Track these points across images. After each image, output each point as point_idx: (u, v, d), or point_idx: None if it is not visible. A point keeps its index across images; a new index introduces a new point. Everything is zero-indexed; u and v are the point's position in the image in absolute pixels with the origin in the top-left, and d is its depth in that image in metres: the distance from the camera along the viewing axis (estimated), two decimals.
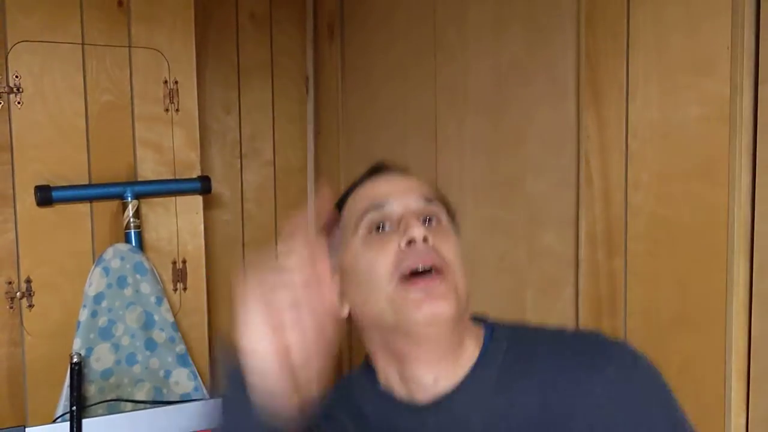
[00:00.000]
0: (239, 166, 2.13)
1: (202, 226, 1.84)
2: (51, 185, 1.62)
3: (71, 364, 1.45)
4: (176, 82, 1.77)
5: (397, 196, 0.85)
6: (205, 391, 1.66)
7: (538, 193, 1.28)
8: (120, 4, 1.69)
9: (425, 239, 0.80)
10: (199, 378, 1.67)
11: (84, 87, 1.67)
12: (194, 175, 1.82)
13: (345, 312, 0.84)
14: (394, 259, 0.80)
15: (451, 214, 0.90)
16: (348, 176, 2.10)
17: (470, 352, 0.84)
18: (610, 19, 1.09)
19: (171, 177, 1.79)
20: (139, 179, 1.75)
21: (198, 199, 1.82)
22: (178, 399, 1.64)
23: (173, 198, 1.79)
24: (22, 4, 1.59)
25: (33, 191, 1.61)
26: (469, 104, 1.44)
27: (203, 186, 1.80)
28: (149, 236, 1.75)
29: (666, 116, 1.02)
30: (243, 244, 2.08)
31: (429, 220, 0.85)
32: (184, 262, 1.82)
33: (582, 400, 0.78)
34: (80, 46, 1.65)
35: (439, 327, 0.79)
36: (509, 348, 0.85)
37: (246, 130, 2.15)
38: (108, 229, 1.70)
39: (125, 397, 1.59)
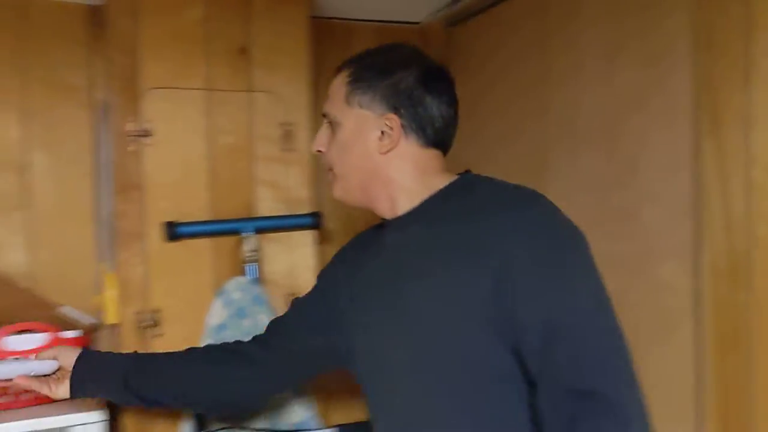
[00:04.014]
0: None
1: (313, 260, 1.90)
2: (177, 221, 1.72)
3: None
4: (292, 124, 1.86)
5: None
6: (319, 422, 1.70)
7: (654, 224, 1.26)
8: (242, 51, 1.80)
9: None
10: (313, 408, 1.71)
11: (207, 130, 1.78)
12: (307, 211, 1.88)
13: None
14: None
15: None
16: None
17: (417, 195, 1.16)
18: (729, 44, 1.08)
19: (286, 213, 1.87)
20: (257, 215, 1.83)
21: (310, 234, 1.89)
22: (292, 428, 1.68)
23: (288, 233, 1.87)
24: (155, 54, 1.71)
25: (161, 227, 1.72)
26: (581, 134, 1.44)
27: (315, 221, 1.87)
28: (266, 270, 1.82)
29: None
30: None
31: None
32: (293, 295, 1.88)
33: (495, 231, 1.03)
34: (206, 91, 1.77)
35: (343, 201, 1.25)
36: (456, 194, 1.13)
37: None
38: (228, 263, 1.79)
39: (243, 425, 1.65)
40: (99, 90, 1.84)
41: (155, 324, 1.73)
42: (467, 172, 1.20)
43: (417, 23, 2.28)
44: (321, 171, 2.08)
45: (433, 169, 1.19)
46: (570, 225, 1.06)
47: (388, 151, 1.16)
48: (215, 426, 1.64)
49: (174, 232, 1.71)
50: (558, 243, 1.02)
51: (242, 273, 1.77)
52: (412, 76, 1.15)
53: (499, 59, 1.76)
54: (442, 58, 2.14)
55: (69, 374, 1.41)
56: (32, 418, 1.59)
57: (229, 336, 1.67)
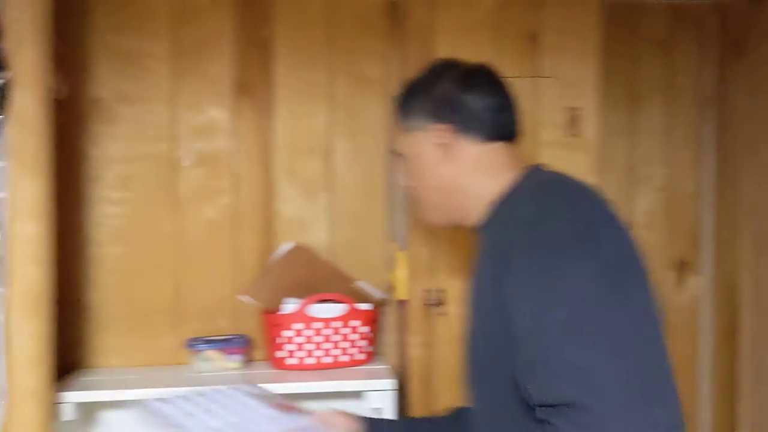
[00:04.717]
0: (628, 190, 2.12)
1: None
2: None
3: None
4: (579, 108, 1.83)
5: None
6: None
7: None
8: (532, 37, 1.81)
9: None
10: None
11: None
12: None
13: None
14: None
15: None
16: (750, 203, 1.95)
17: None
18: None
19: None
20: None
21: None
22: None
23: None
24: (447, 44, 1.80)
25: None
26: None
27: None
28: None
29: None
30: None
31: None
32: None
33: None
34: None
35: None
36: (513, 199, 1.12)
37: (637, 154, 2.12)
38: None
39: None
40: (394, 80, 1.96)
41: (440, 303, 1.81)
42: (536, 167, 1.19)
43: (714, 1, 2.12)
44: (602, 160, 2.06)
45: (500, 163, 1.18)
46: (600, 231, 0.97)
47: (449, 160, 1.17)
48: None
49: None
50: (552, 248, 0.95)
51: None
52: (447, 83, 1.20)
53: None
54: (742, 38, 1.97)
55: None
56: (332, 380, 1.76)
57: None
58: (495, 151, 1.19)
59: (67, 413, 1.64)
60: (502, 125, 1.21)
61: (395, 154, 1.32)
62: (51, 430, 1.55)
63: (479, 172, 1.18)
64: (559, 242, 0.96)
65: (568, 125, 1.84)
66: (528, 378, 0.93)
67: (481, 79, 1.22)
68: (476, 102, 1.19)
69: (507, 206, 1.13)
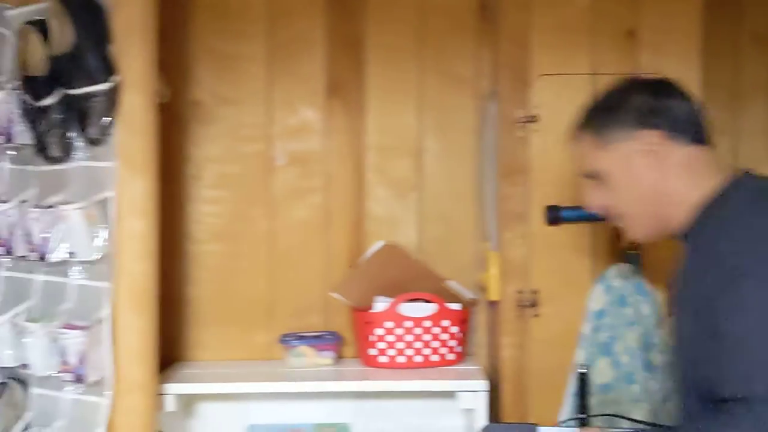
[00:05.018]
0: None
1: None
2: (560, 206, 1.76)
3: (579, 373, 1.55)
4: None
5: None
6: None
7: None
8: (630, 34, 1.77)
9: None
10: None
11: None
12: None
13: None
14: None
15: None
16: None
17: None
18: None
19: None
20: None
21: None
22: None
23: None
24: (544, 42, 1.77)
25: (543, 210, 1.77)
26: None
27: None
28: (647, 258, 1.77)
29: None
30: None
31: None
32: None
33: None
34: (592, 76, 1.77)
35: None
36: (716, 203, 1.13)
37: (740, 155, 2.05)
38: (608, 249, 1.78)
39: (622, 414, 1.63)
40: (485, 80, 1.95)
41: (533, 304, 1.79)
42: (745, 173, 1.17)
43: None
44: None
45: (705, 166, 1.18)
46: None
47: (657, 166, 1.17)
48: (596, 411, 1.65)
49: (557, 215, 1.74)
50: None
51: (622, 260, 1.75)
52: (644, 93, 1.22)
53: None
54: None
55: None
56: (425, 380, 1.77)
57: (608, 323, 1.67)
58: (699, 154, 1.20)
59: (169, 404, 1.70)
60: (703, 128, 1.22)
61: (588, 176, 1.28)
62: (155, 420, 1.61)
63: (686, 176, 1.18)
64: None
65: None
66: (725, 373, 0.99)
67: (673, 86, 1.24)
68: (679, 106, 1.21)
69: (722, 211, 1.13)
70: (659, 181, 1.19)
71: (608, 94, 1.28)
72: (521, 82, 1.78)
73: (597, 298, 1.68)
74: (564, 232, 1.78)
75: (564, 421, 1.61)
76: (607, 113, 1.24)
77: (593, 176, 1.26)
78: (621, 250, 1.76)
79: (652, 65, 1.78)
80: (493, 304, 1.88)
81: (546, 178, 1.78)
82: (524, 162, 1.78)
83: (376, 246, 1.93)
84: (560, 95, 1.77)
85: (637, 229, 1.26)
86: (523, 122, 1.77)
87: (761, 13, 2.03)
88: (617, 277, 1.69)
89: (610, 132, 1.22)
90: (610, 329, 1.66)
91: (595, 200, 1.28)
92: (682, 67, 1.77)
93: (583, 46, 1.78)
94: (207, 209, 1.96)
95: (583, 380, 1.55)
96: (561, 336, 1.75)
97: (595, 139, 1.24)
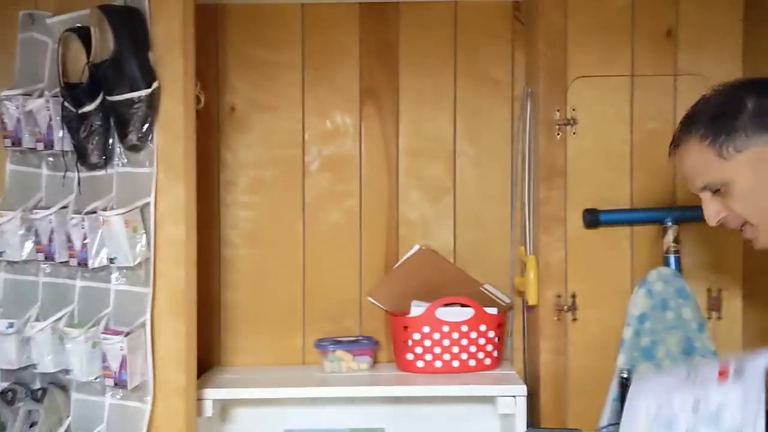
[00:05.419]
0: None
1: (735, 255, 1.78)
2: (598, 209, 1.74)
3: (621, 378, 1.53)
4: None
5: None
6: None
7: None
8: (668, 34, 1.75)
9: None
10: None
11: (630, 116, 1.77)
12: None
13: None
14: None
15: None
16: None
17: None
18: None
19: None
20: (678, 205, 1.77)
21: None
22: None
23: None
24: (582, 43, 1.76)
25: (582, 213, 1.75)
26: None
27: None
28: (686, 262, 1.75)
29: None
30: None
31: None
32: (719, 290, 1.78)
33: None
34: (630, 78, 1.75)
35: None
36: None
37: None
38: (647, 252, 1.76)
39: None
40: (519, 82, 1.93)
41: (572, 308, 1.77)
42: None
43: None
44: None
45: None
46: None
47: None
48: None
49: (595, 218, 1.73)
50: None
51: (661, 263, 1.72)
52: (751, 96, 1.15)
53: None
54: None
55: None
56: (466, 384, 1.75)
57: (649, 327, 1.64)
58: None
59: (207, 409, 1.71)
60: None
61: (705, 189, 1.21)
62: (194, 425, 1.61)
63: None
64: None
65: None
66: None
67: None
68: None
69: None
70: None
71: (714, 100, 1.21)
72: (558, 84, 1.76)
73: (638, 302, 1.65)
74: (602, 235, 1.77)
75: (605, 427, 1.59)
76: (721, 121, 1.17)
77: (713, 188, 1.20)
78: (658, 252, 1.73)
79: (691, 64, 1.76)
80: (530, 309, 1.86)
81: (584, 180, 1.77)
82: (562, 165, 1.77)
83: (411, 250, 1.93)
84: (598, 97, 1.76)
85: None
86: (561, 125, 1.75)
87: None
88: (658, 280, 1.66)
89: (730, 141, 1.15)
90: (651, 333, 1.63)
91: (714, 213, 1.22)
92: (721, 65, 1.76)
93: (620, 47, 1.77)
94: (242, 214, 1.97)
95: (624, 385, 1.52)
96: (600, 340, 1.73)
97: (712, 150, 1.17)
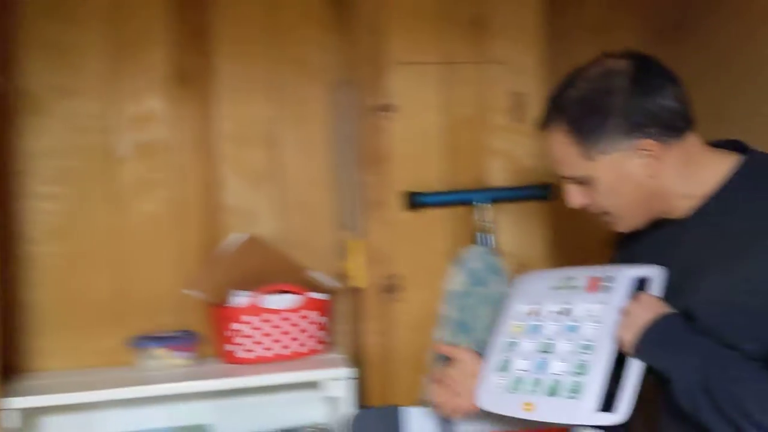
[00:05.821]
0: None
1: (544, 231, 1.91)
2: (418, 192, 1.79)
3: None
4: (524, 94, 1.87)
5: None
6: None
7: None
8: (476, 23, 1.83)
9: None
10: None
11: (446, 102, 1.84)
12: (536, 182, 1.89)
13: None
14: None
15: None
16: None
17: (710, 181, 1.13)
18: None
19: (517, 184, 1.88)
20: (489, 186, 1.87)
21: (540, 206, 1.89)
22: None
23: (518, 204, 1.88)
24: (397, 30, 1.80)
25: (402, 197, 1.79)
26: None
27: (547, 193, 1.87)
28: (500, 239, 1.85)
29: None
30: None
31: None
32: (524, 265, 1.90)
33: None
34: (444, 65, 1.82)
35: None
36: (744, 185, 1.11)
37: None
38: (466, 233, 1.83)
39: None
40: (337, 68, 1.94)
41: (396, 289, 1.81)
42: (741, 147, 1.15)
43: None
44: None
45: (700, 152, 1.15)
46: None
47: (657, 170, 1.13)
48: None
49: (415, 201, 1.78)
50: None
51: (476, 242, 1.81)
52: (623, 95, 1.11)
53: (751, 13, 1.63)
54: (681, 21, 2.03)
55: None
56: (290, 371, 1.74)
57: (472, 303, 1.72)
58: (693, 143, 1.15)
59: (11, 420, 1.55)
60: (688, 114, 1.15)
61: (574, 181, 1.20)
62: None
63: (687, 170, 1.14)
64: None
65: (514, 110, 1.88)
66: None
67: (652, 74, 1.13)
68: (666, 102, 1.11)
69: (744, 194, 1.10)
70: (655, 181, 1.14)
71: (583, 86, 1.15)
72: (377, 70, 1.79)
73: (454, 279, 1.73)
74: (423, 217, 1.82)
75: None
76: (589, 122, 1.13)
77: (574, 180, 1.20)
78: (474, 231, 1.82)
79: (498, 52, 1.86)
80: (355, 292, 1.88)
81: (405, 165, 1.81)
82: (383, 150, 1.80)
83: (233, 238, 1.87)
84: (415, 84, 1.80)
85: (624, 225, 1.22)
86: (380, 110, 1.78)
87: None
88: (472, 258, 1.74)
89: (595, 142, 1.13)
90: (466, 309, 1.71)
91: (575, 198, 1.22)
92: (525, 54, 1.88)
93: (434, 35, 1.82)
94: (43, 207, 1.80)
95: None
96: (424, 319, 1.78)
97: (577, 148, 1.15)
